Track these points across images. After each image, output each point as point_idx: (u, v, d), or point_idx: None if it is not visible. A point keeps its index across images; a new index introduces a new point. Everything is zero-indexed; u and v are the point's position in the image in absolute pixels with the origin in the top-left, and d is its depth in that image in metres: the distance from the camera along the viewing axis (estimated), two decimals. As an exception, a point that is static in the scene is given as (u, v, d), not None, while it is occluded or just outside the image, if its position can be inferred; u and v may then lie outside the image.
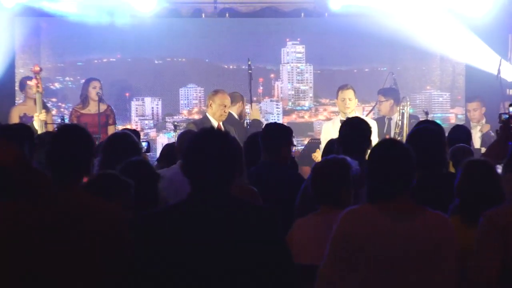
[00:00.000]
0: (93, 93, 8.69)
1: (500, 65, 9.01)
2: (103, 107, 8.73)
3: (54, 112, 9.57)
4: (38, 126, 7.96)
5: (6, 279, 2.92)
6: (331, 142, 5.57)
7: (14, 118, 8.54)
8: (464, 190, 3.64)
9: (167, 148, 6.16)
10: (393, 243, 3.07)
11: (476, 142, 8.59)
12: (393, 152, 3.18)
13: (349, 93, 7.98)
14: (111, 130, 8.52)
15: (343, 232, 3.13)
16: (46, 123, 8.13)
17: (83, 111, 8.76)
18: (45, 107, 8.55)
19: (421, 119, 7.26)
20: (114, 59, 10.22)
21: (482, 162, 3.73)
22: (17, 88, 9.88)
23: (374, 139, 5.06)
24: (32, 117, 8.24)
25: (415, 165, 3.19)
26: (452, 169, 4.74)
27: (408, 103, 8.39)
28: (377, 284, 3.08)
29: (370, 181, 3.21)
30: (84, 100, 8.80)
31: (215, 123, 7.70)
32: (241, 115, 8.59)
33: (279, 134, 5.17)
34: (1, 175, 3.00)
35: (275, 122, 5.42)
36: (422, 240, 3.09)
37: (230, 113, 8.09)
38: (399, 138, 7.73)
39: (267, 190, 4.72)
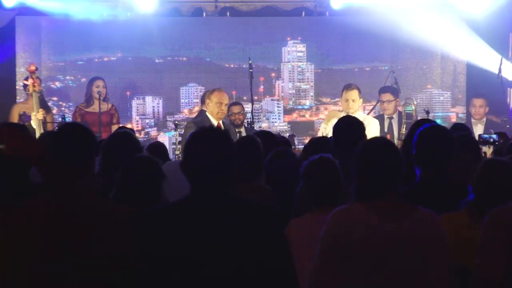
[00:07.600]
0: (95, 92, 8.72)
1: (501, 64, 9.00)
2: (107, 106, 8.80)
3: (54, 111, 9.57)
4: (35, 125, 7.97)
5: (24, 275, 2.89)
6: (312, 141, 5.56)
7: (14, 116, 8.53)
8: (481, 188, 3.61)
9: (152, 146, 6.12)
10: (383, 242, 3.05)
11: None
12: (381, 150, 3.15)
13: (353, 94, 7.79)
14: (115, 129, 8.50)
15: (333, 232, 3.10)
16: (45, 122, 8.11)
17: (87, 110, 8.80)
18: (45, 106, 8.54)
19: (419, 118, 7.22)
20: (114, 58, 10.22)
21: (501, 162, 3.69)
22: (17, 87, 9.88)
23: None
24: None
25: (404, 164, 3.16)
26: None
27: (415, 103, 8.44)
28: (368, 283, 3.06)
29: (358, 179, 3.17)
30: (88, 99, 8.84)
31: (214, 122, 7.69)
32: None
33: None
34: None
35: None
36: (411, 239, 3.06)
37: None
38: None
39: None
